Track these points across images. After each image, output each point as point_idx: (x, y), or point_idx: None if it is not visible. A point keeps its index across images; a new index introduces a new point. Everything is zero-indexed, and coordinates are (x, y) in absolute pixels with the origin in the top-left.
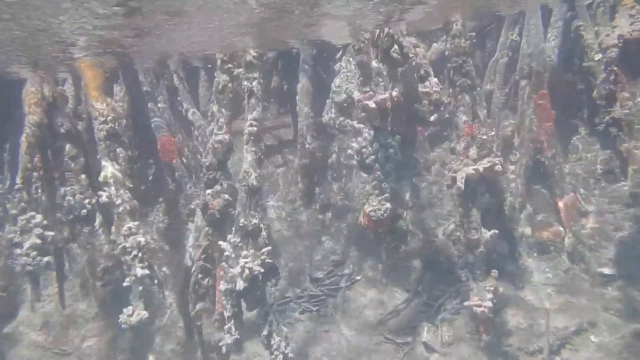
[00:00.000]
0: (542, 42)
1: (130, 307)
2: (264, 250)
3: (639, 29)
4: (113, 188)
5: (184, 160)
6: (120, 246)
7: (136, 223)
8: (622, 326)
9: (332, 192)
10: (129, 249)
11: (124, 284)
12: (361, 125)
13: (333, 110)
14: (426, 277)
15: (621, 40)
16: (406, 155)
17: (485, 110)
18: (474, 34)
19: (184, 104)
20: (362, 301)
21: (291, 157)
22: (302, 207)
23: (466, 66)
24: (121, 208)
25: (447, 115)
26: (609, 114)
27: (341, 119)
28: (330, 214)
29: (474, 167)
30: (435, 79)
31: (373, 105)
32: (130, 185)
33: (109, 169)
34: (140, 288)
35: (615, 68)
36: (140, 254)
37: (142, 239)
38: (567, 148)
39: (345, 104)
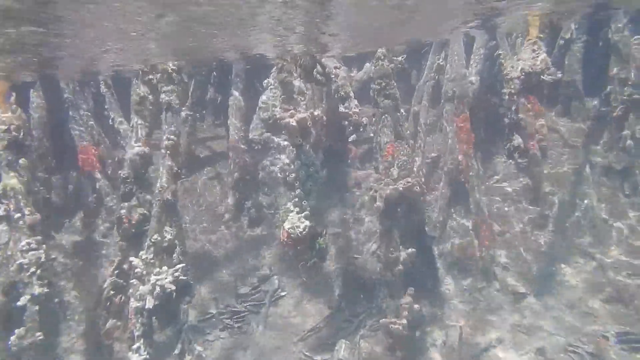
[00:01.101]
0: (463, 68)
1: (22, 329)
2: (177, 267)
3: (539, 62)
4: (13, 200)
5: (108, 172)
6: (16, 263)
7: (37, 238)
8: (527, 343)
9: (262, 207)
10: (27, 266)
11: (19, 304)
12: (286, 143)
13: (259, 126)
14: (349, 294)
15: (523, 73)
16: (336, 173)
17: (408, 132)
18: (404, 56)
19: (110, 114)
20: (285, 317)
21: (224, 170)
22: (231, 221)
23: (389, 88)
24: (20, 222)
25: (371, 135)
26: (510, 141)
27: (267, 134)
28: (259, 229)
29: (393, 186)
30: (355, 101)
31: (294, 124)
32: (40, 196)
33: (8, 180)
34: (37, 307)
35: (528, 96)
36: (39, 271)
37: (42, 255)
38: (487, 170)
39: (270, 121)
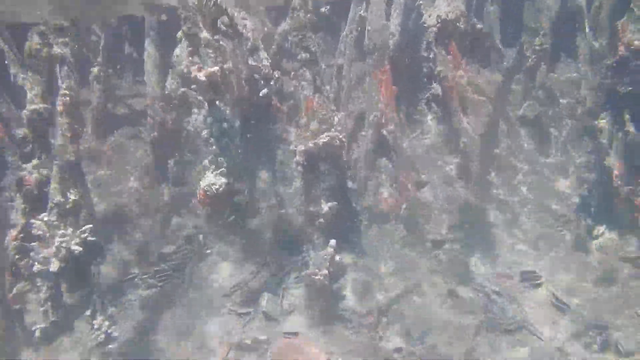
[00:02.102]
0: (383, 19)
1: None
2: (85, 228)
3: (454, 10)
4: None
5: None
6: None
7: None
8: (442, 286)
9: (185, 165)
10: None
11: None
12: (201, 98)
13: (176, 82)
14: (275, 249)
15: (439, 21)
16: (262, 130)
17: (329, 85)
18: (327, 7)
19: (11, 69)
20: (211, 275)
21: (144, 129)
22: (153, 181)
23: (306, 41)
24: None
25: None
26: (429, 90)
27: (183, 90)
28: (183, 188)
29: (313, 141)
30: (264, 53)
31: (202, 78)
32: None
33: None
34: None
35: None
36: None
37: None
38: (409, 122)
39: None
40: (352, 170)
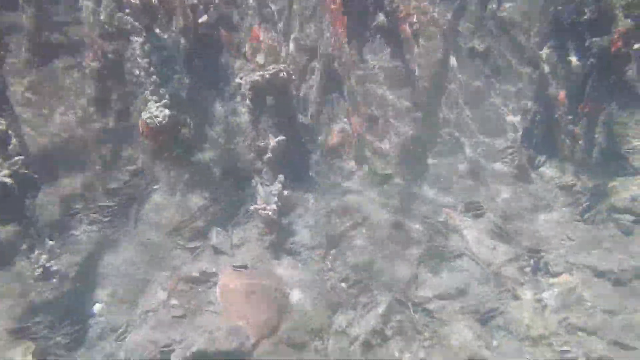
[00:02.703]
0: None
1: None
2: (15, 159)
3: None
4: None
5: None
6: None
7: None
8: (388, 219)
9: (130, 98)
10: None
11: None
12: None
13: (112, 6)
14: (225, 184)
15: None
16: (211, 61)
17: (276, 15)
18: None
19: None
20: (159, 210)
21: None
22: (95, 114)
23: None
24: None
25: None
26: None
27: (119, 15)
28: (128, 121)
29: (259, 73)
30: None
31: (135, 1)
32: None
33: None
34: None
35: None
36: None
37: None
38: (362, 56)
39: None
40: (304, 105)
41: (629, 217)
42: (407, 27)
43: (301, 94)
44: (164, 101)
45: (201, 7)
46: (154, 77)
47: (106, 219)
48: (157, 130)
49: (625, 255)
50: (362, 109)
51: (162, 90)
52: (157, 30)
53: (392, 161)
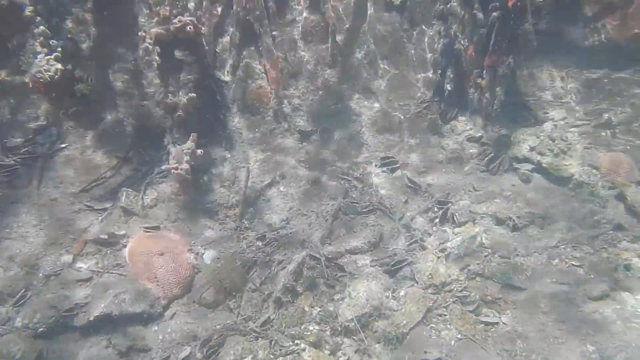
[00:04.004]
0: None
1: None
2: None
3: None
4: None
5: None
6: None
7: None
8: (306, 176)
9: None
10: None
11: None
12: None
13: None
14: (137, 142)
15: None
16: (122, 12)
17: None
18: None
19: None
20: (65, 169)
21: None
22: None
23: None
24: None
25: None
26: None
27: None
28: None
29: (163, 26)
30: None
31: None
32: None
33: None
34: None
35: None
36: None
37: None
38: (278, 10)
39: None
40: (221, 60)
41: (527, 166)
42: None
43: (217, 49)
44: (56, 54)
45: None
46: (41, 27)
47: (5, 179)
48: (49, 85)
49: (522, 202)
50: (279, 63)
51: (52, 42)
52: None
53: (312, 117)
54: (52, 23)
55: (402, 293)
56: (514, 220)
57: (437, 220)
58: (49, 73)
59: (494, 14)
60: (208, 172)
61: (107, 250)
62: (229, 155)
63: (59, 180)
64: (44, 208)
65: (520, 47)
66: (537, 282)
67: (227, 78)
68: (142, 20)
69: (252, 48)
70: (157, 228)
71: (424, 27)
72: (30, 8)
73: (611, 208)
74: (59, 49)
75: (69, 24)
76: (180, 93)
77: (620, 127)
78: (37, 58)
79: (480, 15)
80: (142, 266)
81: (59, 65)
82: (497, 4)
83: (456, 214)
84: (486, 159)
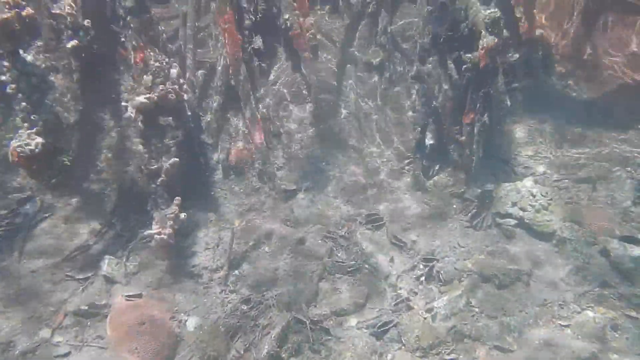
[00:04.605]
0: None
1: None
2: None
3: None
4: None
5: None
6: None
7: None
8: (292, 236)
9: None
10: None
11: None
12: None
13: None
14: (121, 208)
15: None
16: (107, 81)
17: (164, 35)
18: None
19: None
20: (48, 240)
21: None
22: None
23: None
24: None
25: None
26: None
27: None
28: None
29: (146, 95)
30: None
31: None
32: None
33: None
34: None
35: None
36: None
37: None
38: (263, 71)
39: None
40: (206, 122)
41: (510, 222)
42: (303, 43)
43: (201, 112)
44: (37, 128)
45: (69, 32)
46: (23, 104)
47: None
48: (30, 158)
49: (507, 259)
50: (262, 124)
51: (33, 117)
52: (29, 55)
53: (296, 176)
54: (34, 98)
55: (389, 357)
56: (499, 278)
57: (422, 278)
58: (30, 147)
59: (468, 74)
60: (192, 235)
61: (88, 321)
62: (214, 217)
63: (40, 250)
64: (23, 280)
65: (496, 105)
66: (525, 344)
67: (211, 140)
68: (126, 88)
69: (236, 109)
70: (139, 296)
71: (402, 86)
72: (13, 86)
73: (595, 264)
74: (40, 122)
75: (52, 97)
76: (163, 158)
77: (600, 182)
78: (18, 132)
79: (455, 75)
80: (123, 337)
81: (40, 139)
82: (469, 64)
83: (442, 271)
84: (470, 214)
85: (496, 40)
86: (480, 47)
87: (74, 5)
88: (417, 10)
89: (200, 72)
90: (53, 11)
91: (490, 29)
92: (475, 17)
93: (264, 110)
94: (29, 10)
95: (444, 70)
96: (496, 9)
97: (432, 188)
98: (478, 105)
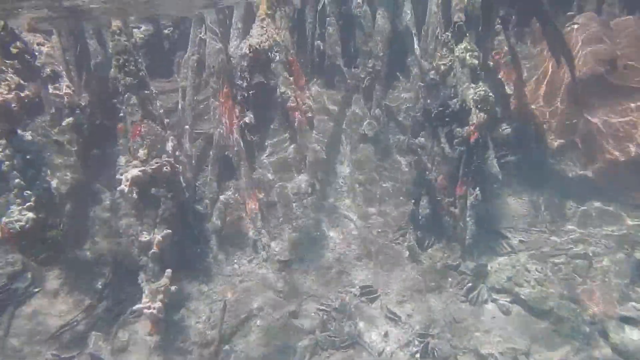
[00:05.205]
0: (218, 42)
1: None
2: None
3: (266, 40)
4: None
5: None
6: None
7: None
8: (284, 309)
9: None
10: None
11: None
12: None
13: None
14: (113, 281)
15: (251, 50)
16: (105, 153)
17: (162, 110)
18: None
19: None
20: (36, 316)
21: None
22: None
23: (130, 64)
24: None
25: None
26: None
27: None
28: None
29: (141, 168)
30: (67, 80)
31: None
32: None
33: None
34: None
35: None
36: None
37: None
38: (258, 143)
39: None
40: (201, 193)
41: (506, 297)
42: (298, 115)
43: (197, 183)
44: (29, 204)
45: (67, 110)
46: (17, 180)
47: None
48: (19, 234)
49: (503, 337)
50: (257, 194)
51: (26, 193)
52: (27, 134)
53: (290, 245)
54: (28, 175)
55: None
56: (496, 357)
57: (417, 355)
58: (20, 223)
59: (460, 148)
60: (183, 307)
61: None
62: (206, 289)
63: (27, 327)
64: None
65: (489, 178)
66: None
67: (206, 210)
68: (122, 161)
69: (232, 180)
70: None
71: (397, 158)
72: (7, 163)
73: (595, 346)
74: (33, 198)
75: (48, 171)
76: (156, 229)
77: (596, 259)
78: (9, 209)
79: (447, 148)
80: None
81: (31, 214)
82: (461, 139)
83: (437, 348)
84: (465, 288)
85: (485, 117)
86: (470, 122)
87: (71, 85)
88: (410, 85)
89: (197, 142)
90: (51, 91)
91: (479, 106)
92: (465, 94)
93: (259, 180)
94: (27, 93)
95: (437, 143)
96: (484, 87)
97: (427, 260)
98: (470, 178)
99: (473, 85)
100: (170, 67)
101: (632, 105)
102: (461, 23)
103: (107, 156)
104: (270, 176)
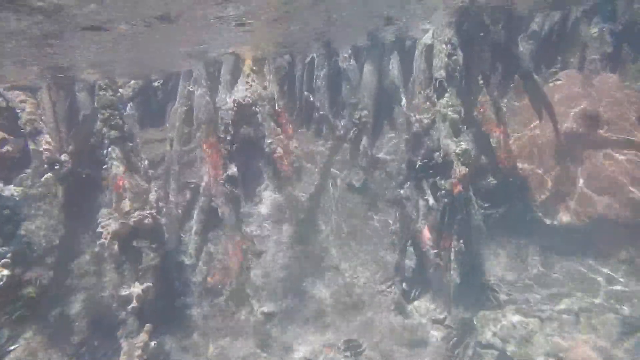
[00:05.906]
0: (207, 94)
1: None
2: None
3: (250, 95)
4: None
5: None
6: None
7: None
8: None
9: None
10: None
11: None
12: None
13: None
14: (90, 337)
15: (236, 105)
16: (89, 207)
17: (146, 162)
18: (160, 82)
19: None
20: None
21: None
22: None
23: (114, 118)
24: None
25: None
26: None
27: None
28: None
29: (122, 221)
30: (47, 136)
31: None
32: None
33: None
34: None
35: None
36: None
37: None
38: (246, 193)
39: None
40: (186, 243)
41: (493, 352)
42: (285, 165)
43: (182, 234)
44: (4, 261)
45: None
46: None
47: None
48: None
49: None
50: (242, 245)
51: (3, 249)
52: (7, 189)
53: (275, 298)
54: (6, 230)
55: None
56: None
57: None
58: None
59: (444, 199)
60: None
61: None
62: (187, 343)
63: None
64: None
65: (474, 230)
66: None
67: (190, 261)
68: (103, 213)
69: (217, 230)
70: None
71: (383, 208)
72: None
73: None
74: (9, 255)
75: (27, 227)
76: (136, 283)
77: (583, 314)
78: None
79: (431, 200)
80: None
81: (6, 271)
82: (444, 191)
83: None
84: (451, 342)
85: (467, 170)
86: (453, 175)
87: (51, 141)
88: (396, 136)
89: (183, 193)
90: (31, 147)
91: (461, 159)
92: (447, 148)
93: (245, 232)
94: (8, 148)
95: (421, 195)
96: (465, 141)
97: (413, 312)
98: (454, 230)
99: (455, 139)
100: (163, 117)
101: (620, 157)
102: (442, 80)
103: (93, 208)
104: (256, 227)
